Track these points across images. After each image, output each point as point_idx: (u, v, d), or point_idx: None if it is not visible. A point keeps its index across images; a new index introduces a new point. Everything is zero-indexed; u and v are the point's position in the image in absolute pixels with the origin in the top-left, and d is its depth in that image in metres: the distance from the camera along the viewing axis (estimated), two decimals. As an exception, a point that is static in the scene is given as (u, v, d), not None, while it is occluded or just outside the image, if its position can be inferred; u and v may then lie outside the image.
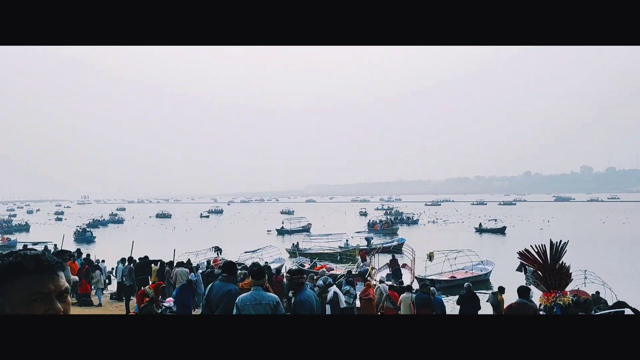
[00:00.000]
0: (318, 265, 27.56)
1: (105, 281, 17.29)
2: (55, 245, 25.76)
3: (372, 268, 23.77)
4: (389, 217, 74.49)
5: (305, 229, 63.01)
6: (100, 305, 16.43)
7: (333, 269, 27.29)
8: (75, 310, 15.06)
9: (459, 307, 13.32)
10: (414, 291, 14.30)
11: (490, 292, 15.09)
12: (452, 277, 25.17)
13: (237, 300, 5.38)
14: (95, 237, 57.40)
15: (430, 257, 25.24)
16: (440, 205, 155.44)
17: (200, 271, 18.34)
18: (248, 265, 17.80)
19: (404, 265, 25.51)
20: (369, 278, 19.19)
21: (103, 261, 20.28)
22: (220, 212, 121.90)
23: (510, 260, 32.12)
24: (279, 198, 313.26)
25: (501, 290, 13.91)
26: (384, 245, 36.84)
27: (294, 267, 22.60)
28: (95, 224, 76.81)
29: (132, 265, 15.72)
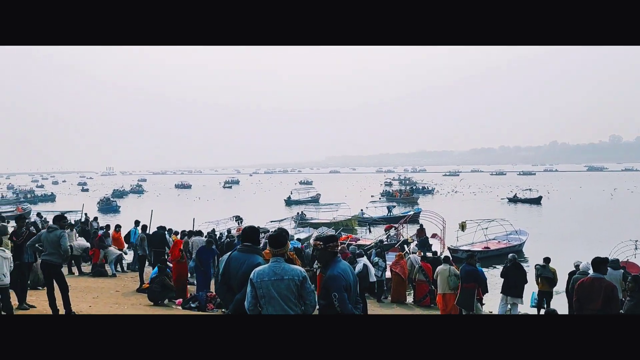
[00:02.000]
0: (343, 236, 26.37)
1: (114, 250, 16.37)
2: (86, 214, 26.28)
3: (411, 238, 22.52)
4: (407, 187, 73.52)
5: (314, 199, 62.23)
6: (114, 275, 15.55)
7: (359, 239, 26.15)
8: (88, 282, 14.29)
9: (502, 279, 11.96)
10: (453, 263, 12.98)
11: (534, 264, 13.65)
12: (485, 247, 23.81)
13: (251, 275, 4.19)
14: (119, 206, 57.41)
15: (463, 226, 23.88)
16: (458, 175, 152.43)
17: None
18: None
19: (434, 235, 24.28)
20: (407, 248, 18.02)
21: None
22: (237, 182, 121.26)
23: (547, 231, 31.28)
24: (301, 169, 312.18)
25: (546, 261, 12.49)
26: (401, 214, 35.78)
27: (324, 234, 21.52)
28: (118, 194, 77.15)
29: (143, 233, 14.72)
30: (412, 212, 40.52)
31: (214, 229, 25.54)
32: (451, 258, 13.47)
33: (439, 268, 12.37)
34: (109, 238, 16.52)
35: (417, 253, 15.72)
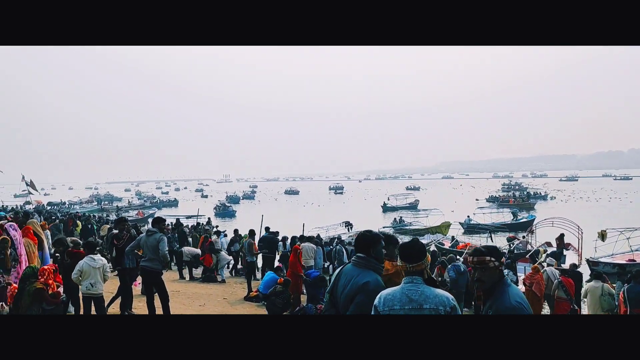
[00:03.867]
0: (461, 244, 24.28)
1: (225, 256, 16.00)
2: (209, 218, 27.94)
3: (544, 249, 20.04)
4: (515, 192, 68.76)
5: (412, 206, 59.92)
6: (223, 281, 15.15)
7: (478, 246, 23.89)
8: (197, 287, 13.94)
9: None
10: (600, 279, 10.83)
11: None
12: (630, 260, 20.51)
13: (376, 301, 2.99)
14: (235, 211, 59.35)
15: (603, 235, 20.74)
16: (577, 180, 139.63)
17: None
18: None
19: (567, 245, 21.42)
20: (538, 260, 15.84)
21: (225, 234, 19.28)
22: (341, 189, 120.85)
23: None
24: (411, 175, 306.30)
25: None
26: (505, 223, 32.72)
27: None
28: (232, 199, 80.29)
29: (251, 239, 14.13)
30: (524, 219, 37.42)
31: (318, 234, 24.85)
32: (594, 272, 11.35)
33: (588, 285, 10.36)
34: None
35: (554, 265, 13.59)
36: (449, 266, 11.73)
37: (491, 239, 27.11)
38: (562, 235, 20.77)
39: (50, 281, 6.93)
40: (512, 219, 38.58)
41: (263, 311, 11.29)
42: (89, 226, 21.51)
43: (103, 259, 7.02)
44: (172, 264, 16.84)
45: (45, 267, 7.23)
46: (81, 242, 7.94)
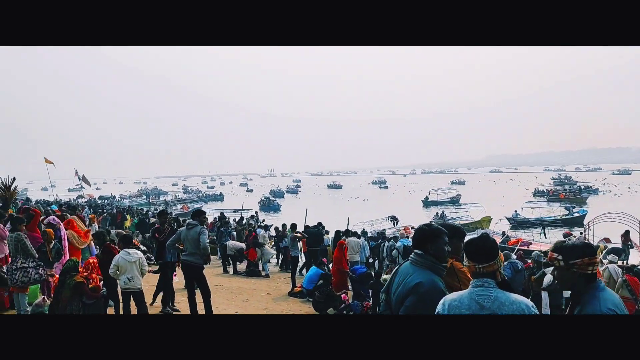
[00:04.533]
0: (512, 239, 23.17)
1: (269, 250, 15.74)
2: (256, 212, 28.15)
3: (604, 245, 18.85)
4: (567, 186, 65.93)
5: (454, 200, 58.21)
6: (267, 276, 14.91)
7: (531, 243, 22.76)
8: (240, 282, 13.71)
9: None
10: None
11: None
12: (697, 259, 19.02)
13: (439, 307, 2.67)
14: (280, 205, 59.56)
15: (666, 232, 19.33)
16: (630, 174, 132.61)
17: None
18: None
19: (628, 242, 20.07)
20: (599, 256, 14.82)
21: (267, 228, 19.08)
22: (384, 182, 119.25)
23: None
24: (458, 169, 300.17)
25: None
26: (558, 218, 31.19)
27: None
28: (275, 193, 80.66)
29: (294, 232, 13.81)
30: (576, 214, 35.67)
31: (363, 229, 24.35)
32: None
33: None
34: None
35: (616, 262, 12.64)
36: (505, 263, 11.02)
37: (544, 235, 25.89)
38: (627, 232, 19.48)
39: (93, 275, 6.77)
40: (566, 214, 36.86)
41: (307, 307, 10.96)
42: (146, 220, 21.65)
43: (139, 252, 6.78)
44: (217, 257, 16.76)
45: (89, 260, 7.09)
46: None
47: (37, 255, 6.85)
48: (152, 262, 10.56)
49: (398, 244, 15.59)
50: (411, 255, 3.12)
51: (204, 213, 7.88)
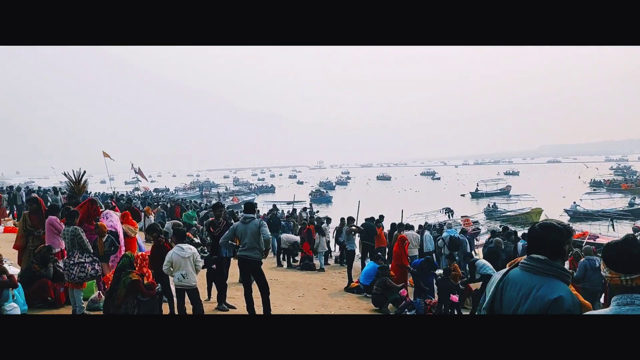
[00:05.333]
0: (577, 233, 21.75)
1: (327, 243, 15.27)
2: (311, 205, 28.65)
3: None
4: (627, 176, 62.37)
5: (504, 192, 55.60)
6: (322, 269, 14.52)
7: (598, 237, 21.28)
8: (295, 276, 13.35)
9: None
10: None
11: None
12: None
13: None
14: (331, 197, 59.34)
15: None
16: None
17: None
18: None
19: None
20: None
21: (329, 220, 18.66)
22: (433, 174, 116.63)
23: None
24: (512, 160, 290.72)
25: None
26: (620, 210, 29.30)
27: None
28: (325, 185, 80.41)
29: (349, 226, 13.30)
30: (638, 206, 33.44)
31: (426, 222, 23.50)
32: None
33: None
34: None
35: None
36: (583, 260, 10.10)
37: (612, 227, 24.28)
38: None
39: (145, 269, 6.53)
40: (629, 206, 34.64)
41: (365, 303, 10.51)
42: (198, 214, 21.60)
43: (192, 247, 6.46)
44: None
45: (140, 253, 6.86)
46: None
47: (92, 250, 6.68)
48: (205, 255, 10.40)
49: (444, 234, 14.87)
50: (526, 261, 2.55)
51: (255, 205, 7.56)
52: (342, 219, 15.18)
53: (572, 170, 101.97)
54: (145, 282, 6.30)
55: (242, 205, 7.71)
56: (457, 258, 12.76)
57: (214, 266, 7.85)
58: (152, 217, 18.35)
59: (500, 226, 20.75)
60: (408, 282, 11.34)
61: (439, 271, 10.44)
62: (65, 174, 11.32)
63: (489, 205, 37.26)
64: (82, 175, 11.11)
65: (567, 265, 10.75)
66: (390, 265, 11.61)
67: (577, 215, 31.32)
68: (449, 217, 28.96)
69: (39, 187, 40.52)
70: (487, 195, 54.28)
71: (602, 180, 60.56)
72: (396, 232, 13.97)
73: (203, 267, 7.20)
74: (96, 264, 6.61)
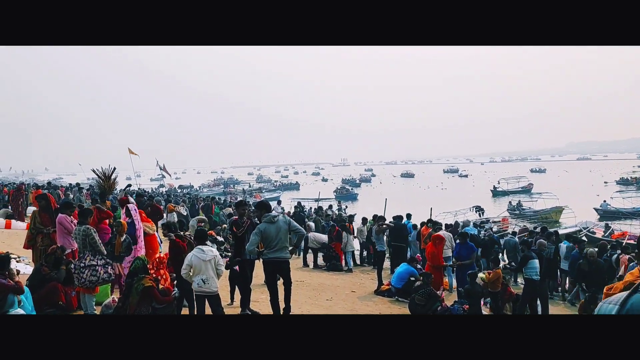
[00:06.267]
0: (617, 232, 20.69)
1: (352, 242, 14.50)
2: (339, 202, 27.17)
3: None
4: None
5: (526, 190, 54.19)
6: (350, 270, 13.88)
7: (637, 236, 20.11)
8: (321, 277, 12.69)
9: None
10: None
11: None
12: None
13: None
14: (357, 194, 58.64)
15: None
16: None
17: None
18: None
19: None
20: None
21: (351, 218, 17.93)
22: (456, 171, 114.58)
23: None
24: (540, 157, 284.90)
25: None
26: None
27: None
28: (351, 183, 79.59)
29: (377, 225, 12.59)
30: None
31: (462, 221, 22.59)
32: None
33: None
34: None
35: None
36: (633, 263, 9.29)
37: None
38: None
39: (162, 271, 5.97)
40: None
41: (397, 308, 9.84)
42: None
43: (214, 249, 5.86)
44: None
45: (158, 255, 6.31)
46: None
47: (105, 252, 6.14)
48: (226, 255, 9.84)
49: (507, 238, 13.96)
50: None
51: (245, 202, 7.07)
52: (374, 217, 14.54)
53: (604, 167, 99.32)
54: (161, 286, 5.74)
55: (253, 207, 7.11)
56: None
57: (237, 268, 7.28)
58: (175, 215, 17.90)
59: (535, 227, 19.80)
60: (443, 285, 10.61)
61: (481, 275, 9.66)
62: (94, 171, 10.93)
63: (510, 203, 36.08)
64: (112, 172, 10.73)
65: (621, 269, 9.95)
66: (425, 267, 10.90)
67: (608, 214, 30.13)
68: (479, 215, 28.03)
69: (69, 184, 40.71)
70: (508, 193, 52.87)
71: (630, 178, 59.20)
72: (376, 224, 13.29)
73: (226, 268, 6.67)
74: (109, 267, 6.06)
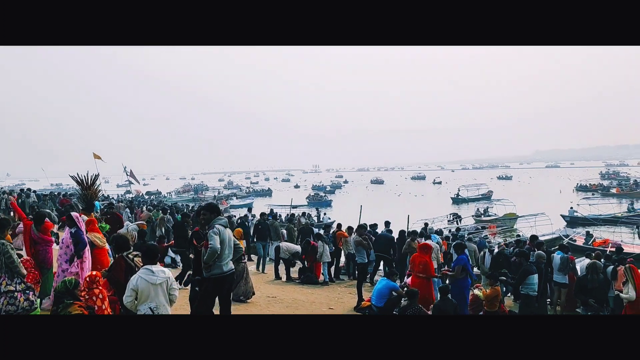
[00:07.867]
0: (598, 240, 20.25)
1: (328, 253, 13.35)
2: (317, 209, 26.49)
3: None
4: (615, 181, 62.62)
5: (486, 197, 55.68)
6: (325, 283, 12.82)
7: (619, 244, 19.66)
8: (295, 291, 11.18)
9: None
10: None
11: None
12: None
13: None
14: (331, 201, 57.95)
15: None
16: None
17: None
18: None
19: None
20: None
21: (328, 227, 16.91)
22: (423, 178, 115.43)
23: None
24: (509, 165, 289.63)
25: None
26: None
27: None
28: (321, 189, 78.81)
29: (358, 235, 11.53)
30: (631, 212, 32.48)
31: (457, 228, 21.79)
32: None
33: None
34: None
35: None
36: None
37: (638, 234, 22.76)
38: None
39: (97, 290, 4.79)
40: (627, 210, 33.68)
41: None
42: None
43: (166, 270, 4.66)
44: (268, 258, 14.73)
45: (92, 273, 5.09)
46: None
47: (25, 274, 4.87)
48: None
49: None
50: None
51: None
52: (350, 227, 13.50)
53: (570, 175, 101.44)
54: (97, 310, 4.55)
55: (201, 208, 5.85)
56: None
57: (197, 288, 6.13)
58: (136, 226, 16.47)
59: (518, 236, 19.13)
60: (433, 299, 9.61)
61: (477, 291, 8.73)
62: (74, 178, 9.71)
63: (477, 209, 36.08)
64: (95, 179, 9.56)
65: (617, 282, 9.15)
66: (409, 281, 9.90)
67: (575, 221, 30.19)
68: (456, 223, 27.36)
69: (32, 190, 38.60)
70: (468, 200, 53.96)
71: (588, 185, 61.05)
72: (408, 240, 12.29)
73: (185, 285, 5.52)
74: (31, 293, 4.81)
